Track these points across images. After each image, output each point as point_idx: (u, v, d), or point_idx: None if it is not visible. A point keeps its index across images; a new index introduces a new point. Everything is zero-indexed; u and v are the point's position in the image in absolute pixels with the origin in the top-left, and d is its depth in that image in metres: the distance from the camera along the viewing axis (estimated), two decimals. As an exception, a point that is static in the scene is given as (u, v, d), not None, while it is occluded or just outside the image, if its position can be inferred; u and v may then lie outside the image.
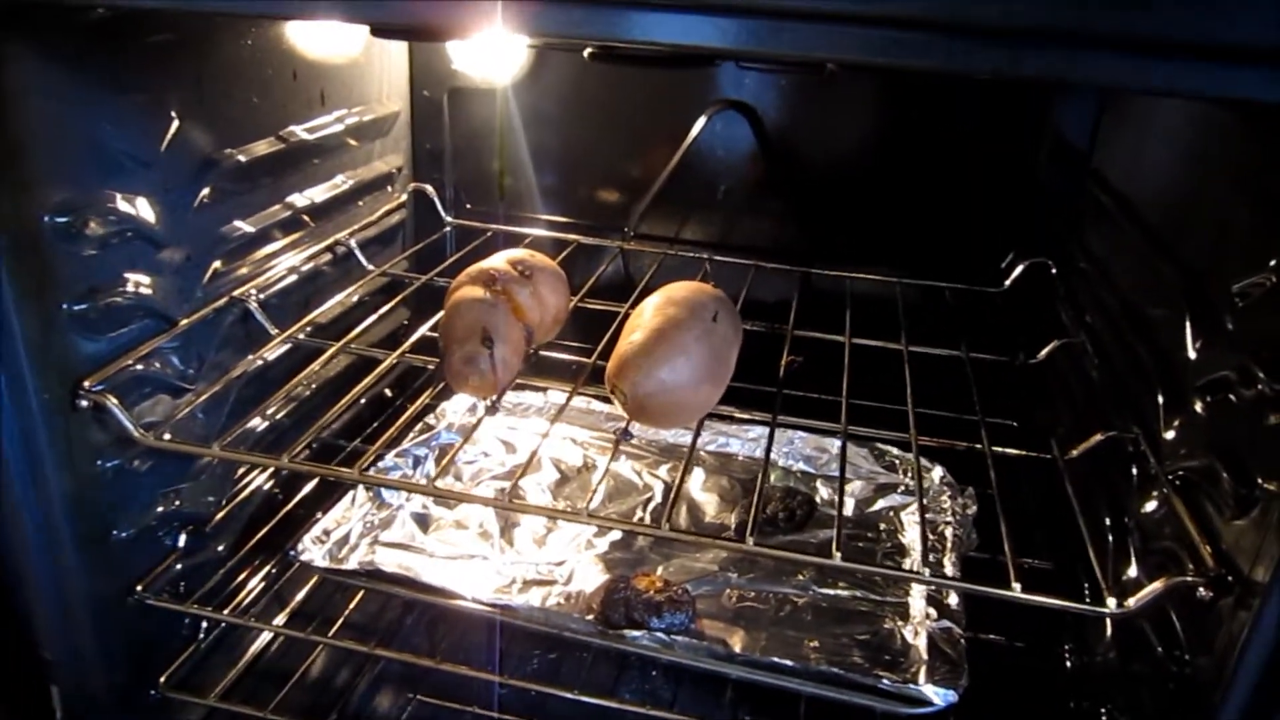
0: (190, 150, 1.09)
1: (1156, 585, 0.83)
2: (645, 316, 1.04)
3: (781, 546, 1.23)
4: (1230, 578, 0.79)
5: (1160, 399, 1.01)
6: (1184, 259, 1.05)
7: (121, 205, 0.99)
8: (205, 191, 1.12)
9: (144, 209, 1.02)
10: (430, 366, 1.20)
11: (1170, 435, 0.98)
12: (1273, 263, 0.82)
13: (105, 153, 0.97)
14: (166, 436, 1.02)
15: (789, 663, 1.06)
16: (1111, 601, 0.84)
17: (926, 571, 0.90)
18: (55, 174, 0.91)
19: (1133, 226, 1.22)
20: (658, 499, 1.42)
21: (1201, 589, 0.81)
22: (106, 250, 0.98)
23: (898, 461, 1.47)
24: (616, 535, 1.32)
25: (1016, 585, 0.85)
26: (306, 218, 1.34)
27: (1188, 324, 0.97)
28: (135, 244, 1.02)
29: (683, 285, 1.11)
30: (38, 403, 0.91)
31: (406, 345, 1.21)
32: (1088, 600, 1.00)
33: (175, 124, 1.05)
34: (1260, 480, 0.78)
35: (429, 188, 1.65)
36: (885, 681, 1.03)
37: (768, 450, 1.07)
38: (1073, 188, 1.47)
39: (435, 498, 1.35)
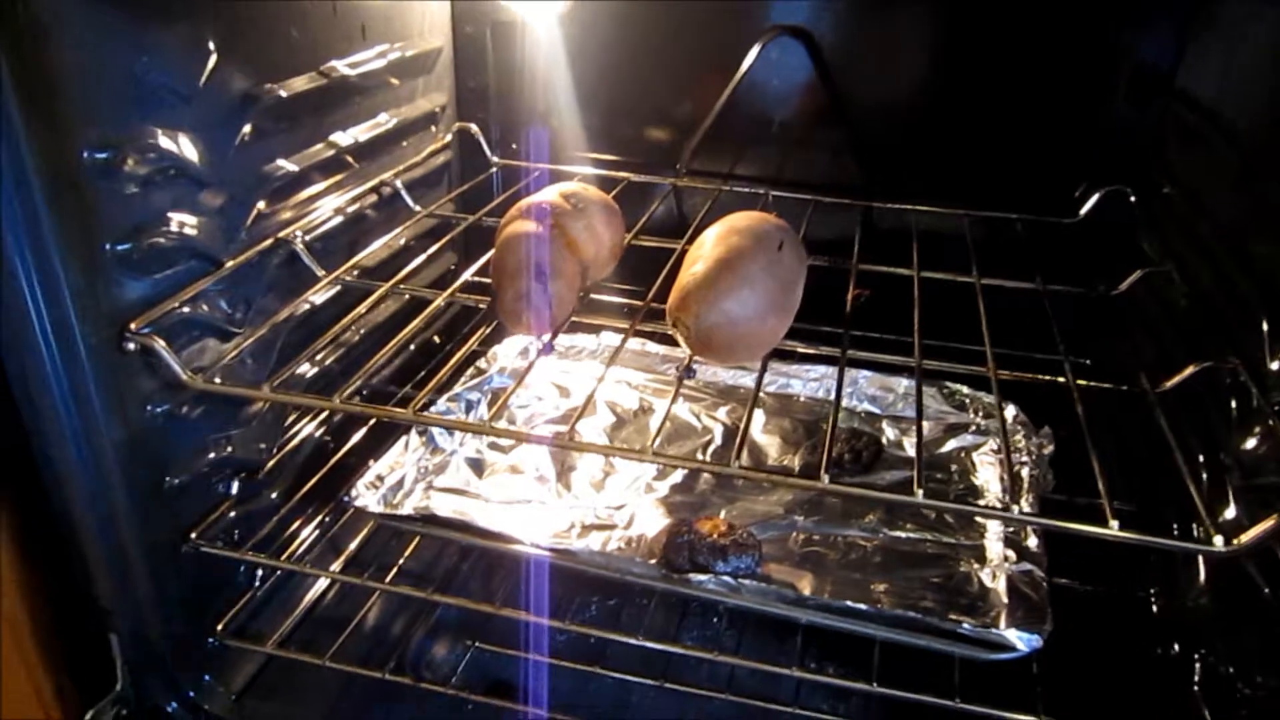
0: (230, 85, 1.05)
1: (1268, 523, 0.77)
2: (707, 247, 0.99)
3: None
4: (1352, 514, 0.74)
5: (1265, 326, 0.94)
6: (1290, 175, 0.97)
7: (163, 142, 0.95)
8: (247, 128, 1.08)
9: (185, 146, 0.98)
10: (482, 306, 1.15)
11: (1277, 365, 0.91)
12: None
13: (144, 86, 0.93)
14: (216, 380, 1.00)
15: (864, 606, 1.02)
16: (1218, 540, 0.79)
17: (1016, 510, 0.84)
18: (93, 108, 0.87)
19: (1229, 146, 1.14)
20: (718, 441, 1.37)
21: (1319, 526, 0.75)
22: (149, 189, 0.94)
23: (967, 401, 1.41)
24: (677, 478, 1.28)
25: (1114, 523, 0.80)
26: (350, 158, 1.30)
27: (1298, 244, 0.90)
28: (178, 183, 0.98)
29: (745, 215, 1.05)
30: (85, 347, 0.88)
31: (457, 284, 1.17)
32: (1179, 540, 0.94)
33: (214, 57, 1.01)
34: (1387, 408, 0.72)
35: (474, 127, 1.59)
36: (965, 626, 0.98)
37: (839, 388, 1.01)
38: (1153, 110, 1.38)
39: (491, 440, 1.32)
